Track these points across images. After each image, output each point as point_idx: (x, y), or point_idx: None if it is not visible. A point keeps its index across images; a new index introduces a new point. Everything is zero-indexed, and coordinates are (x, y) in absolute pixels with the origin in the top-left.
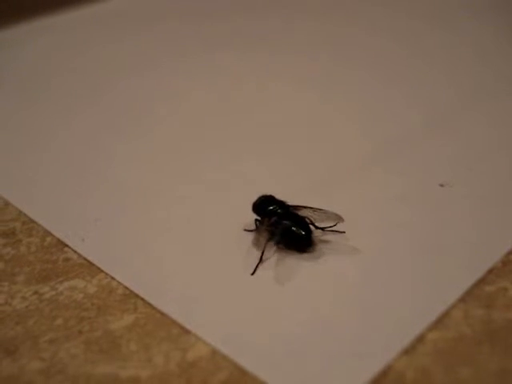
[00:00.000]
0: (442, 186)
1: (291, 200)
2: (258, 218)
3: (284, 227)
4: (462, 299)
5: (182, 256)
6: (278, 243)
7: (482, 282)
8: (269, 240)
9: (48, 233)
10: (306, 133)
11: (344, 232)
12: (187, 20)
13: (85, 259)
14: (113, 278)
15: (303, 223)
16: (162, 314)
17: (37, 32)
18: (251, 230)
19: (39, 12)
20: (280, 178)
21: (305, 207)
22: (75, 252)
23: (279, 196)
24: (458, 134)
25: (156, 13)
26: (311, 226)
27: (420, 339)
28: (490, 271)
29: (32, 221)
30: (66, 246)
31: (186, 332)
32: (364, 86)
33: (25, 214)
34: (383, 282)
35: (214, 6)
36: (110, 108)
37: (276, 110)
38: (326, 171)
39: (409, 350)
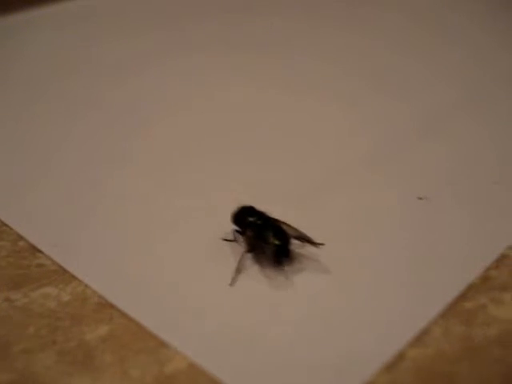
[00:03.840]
0: (420, 199)
1: (270, 210)
2: (237, 228)
3: (261, 238)
4: (442, 315)
5: (159, 266)
6: (255, 253)
7: (461, 298)
8: (247, 251)
9: (20, 237)
10: (288, 141)
11: (323, 244)
12: (183, 21)
13: (58, 265)
14: (87, 286)
15: (281, 234)
16: (139, 325)
17: (34, 24)
18: (230, 240)
19: (35, 4)
20: (261, 189)
21: (283, 223)
22: (48, 258)
23: (260, 207)
24: (446, 140)
25: (154, 13)
26: (290, 238)
27: (400, 356)
28: (470, 287)
29: (4, 224)
30: (39, 251)
31: (164, 344)
32: (354, 91)
33: None
34: (361, 296)
35: (213, 6)
36: (103, 110)
37: (264, 115)
38: (309, 181)
39: (389, 367)
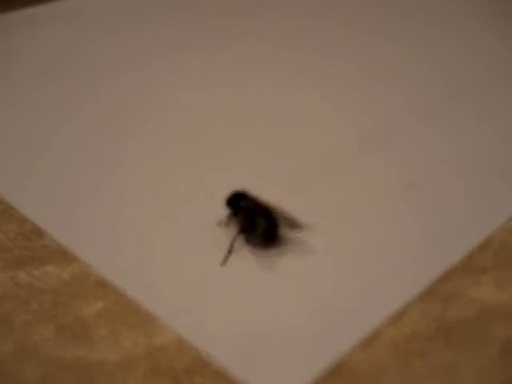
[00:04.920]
0: (412, 185)
1: (265, 196)
2: (230, 212)
3: (252, 221)
4: (421, 296)
5: (155, 246)
6: (246, 236)
7: (441, 280)
8: (238, 233)
9: (26, 219)
10: (282, 130)
11: (311, 228)
12: (180, 16)
13: (61, 246)
14: (87, 266)
15: (270, 218)
16: (133, 301)
17: (32, 21)
18: (224, 224)
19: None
20: (256, 175)
21: (274, 207)
22: (52, 239)
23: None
24: (438, 128)
25: (149, 9)
26: (281, 222)
27: (377, 334)
28: (451, 271)
29: (12, 208)
30: (44, 232)
31: (155, 319)
32: (349, 82)
33: (4, 201)
34: (342, 278)
35: (212, 2)
36: (106, 101)
37: (260, 106)
38: (303, 167)
39: (365, 345)
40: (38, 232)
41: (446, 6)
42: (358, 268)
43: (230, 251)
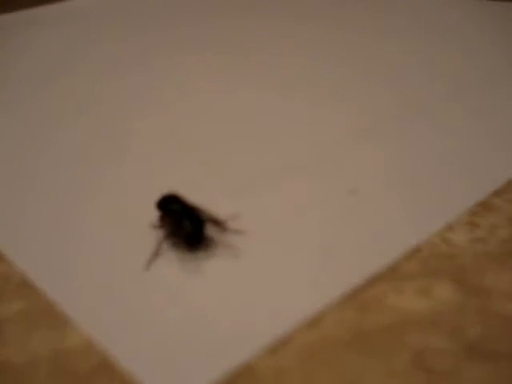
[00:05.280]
0: (350, 192)
1: (204, 201)
2: (160, 214)
3: (178, 224)
4: (339, 303)
5: (83, 247)
6: (173, 239)
7: (363, 286)
8: (165, 236)
9: None
10: (240, 135)
11: (243, 232)
12: (177, 22)
13: None
14: (13, 268)
15: (196, 221)
16: (51, 303)
17: (31, 22)
18: (155, 227)
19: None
20: (201, 178)
21: (203, 210)
22: None
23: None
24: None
25: (150, 14)
26: (211, 225)
27: (288, 340)
28: (375, 277)
29: None
30: None
31: (69, 321)
32: (340, 83)
33: None
34: (263, 281)
35: (211, 7)
36: (99, 110)
37: (234, 109)
38: (249, 174)
39: (274, 350)
40: None
41: (444, 8)
42: (281, 272)
43: (155, 254)
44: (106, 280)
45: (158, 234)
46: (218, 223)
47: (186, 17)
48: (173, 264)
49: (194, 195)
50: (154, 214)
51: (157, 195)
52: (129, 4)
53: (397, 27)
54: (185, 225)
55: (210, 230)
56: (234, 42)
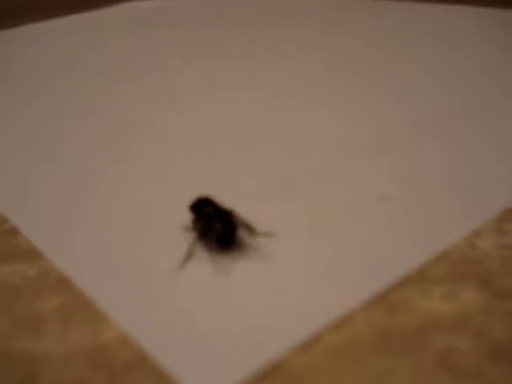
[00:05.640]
0: (381, 198)
1: (235, 204)
2: (193, 217)
3: (210, 226)
4: (368, 304)
5: (119, 247)
6: (206, 241)
7: (391, 289)
8: (198, 238)
9: (5, 220)
10: (263, 139)
11: (274, 235)
12: (186, 27)
13: (32, 246)
14: (53, 265)
15: (228, 224)
16: (88, 299)
17: (42, 32)
18: (188, 229)
19: (45, 14)
20: (229, 184)
21: (235, 215)
22: (26, 239)
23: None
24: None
25: (155, 20)
26: (243, 229)
27: (317, 339)
28: (403, 280)
29: None
30: (20, 233)
31: (105, 317)
32: (347, 93)
33: None
34: (294, 282)
35: (218, 15)
36: (104, 112)
37: (240, 115)
38: (278, 179)
39: (304, 348)
40: (14, 232)
41: (455, 22)
42: (310, 274)
43: (188, 255)
44: (142, 278)
45: (191, 235)
46: (248, 227)
47: (211, 21)
48: (205, 265)
49: (223, 198)
50: (186, 217)
51: (186, 199)
52: (150, 9)
53: (415, 42)
54: (217, 227)
55: (241, 233)
56: (261, 48)
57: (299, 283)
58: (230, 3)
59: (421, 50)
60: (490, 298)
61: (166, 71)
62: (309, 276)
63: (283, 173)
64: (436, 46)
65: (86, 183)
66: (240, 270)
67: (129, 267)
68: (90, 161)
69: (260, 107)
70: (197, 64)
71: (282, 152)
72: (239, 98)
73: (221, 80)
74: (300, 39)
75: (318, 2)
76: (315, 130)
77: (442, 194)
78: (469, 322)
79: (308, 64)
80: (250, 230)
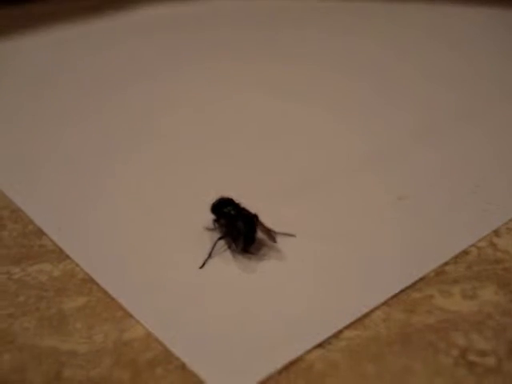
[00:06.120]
0: (399, 199)
1: (255, 204)
2: (214, 217)
3: (232, 226)
4: (387, 303)
5: (141, 248)
6: (227, 240)
7: (410, 288)
8: (220, 237)
9: (31, 221)
10: (277, 142)
11: (294, 235)
12: (186, 30)
13: (57, 246)
14: (77, 265)
15: (250, 224)
16: (112, 298)
17: (47, 43)
18: (210, 229)
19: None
20: (249, 184)
21: (255, 215)
22: (50, 240)
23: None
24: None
25: (156, 24)
26: (263, 229)
27: (336, 336)
28: (422, 279)
29: (20, 209)
30: (44, 234)
31: (129, 316)
32: (358, 96)
33: (15, 203)
34: (315, 281)
35: (217, 17)
36: (110, 113)
37: (253, 117)
38: (295, 179)
39: (323, 345)
40: (39, 233)
41: (461, 26)
42: (331, 274)
43: (210, 254)
44: (165, 278)
45: (212, 235)
46: (267, 227)
47: (223, 23)
48: (226, 264)
49: (243, 199)
50: (206, 217)
51: (204, 199)
52: (163, 14)
53: (419, 42)
54: (238, 226)
55: (261, 233)
56: (273, 51)
57: (319, 283)
58: (241, 9)
59: (430, 53)
60: (510, 296)
61: (180, 74)
62: (329, 276)
63: (300, 175)
64: (448, 51)
65: (108, 186)
66: (261, 269)
67: (152, 267)
68: (110, 164)
69: (273, 110)
70: (210, 66)
71: (297, 154)
72: (252, 101)
73: (235, 82)
74: (311, 43)
75: (329, 6)
76: (329, 134)
77: (460, 195)
78: (488, 321)
79: (321, 67)
80: (270, 230)
